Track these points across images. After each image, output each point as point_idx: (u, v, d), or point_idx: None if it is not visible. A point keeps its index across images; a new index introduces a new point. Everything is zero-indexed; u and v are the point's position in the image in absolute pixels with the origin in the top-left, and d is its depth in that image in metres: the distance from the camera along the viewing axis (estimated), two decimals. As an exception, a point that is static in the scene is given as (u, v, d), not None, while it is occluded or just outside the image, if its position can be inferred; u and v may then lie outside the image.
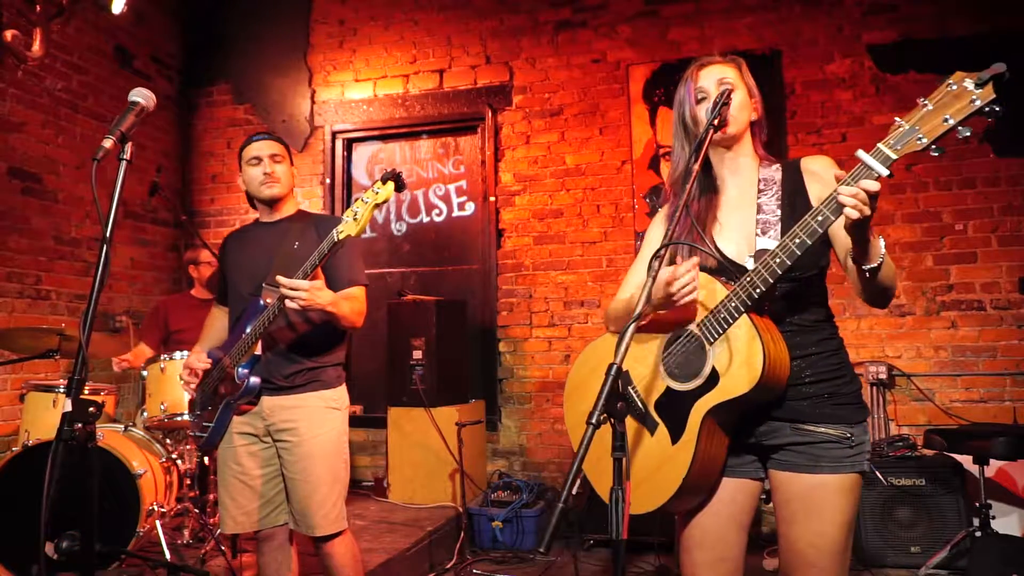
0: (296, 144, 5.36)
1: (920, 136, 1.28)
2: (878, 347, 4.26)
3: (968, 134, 1.26)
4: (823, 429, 1.59)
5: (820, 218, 1.43)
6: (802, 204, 1.65)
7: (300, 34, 5.47)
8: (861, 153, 1.36)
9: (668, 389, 1.64)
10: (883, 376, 4.15)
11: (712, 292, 1.61)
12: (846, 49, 4.44)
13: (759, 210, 1.68)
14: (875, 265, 1.45)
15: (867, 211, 1.34)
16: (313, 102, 5.41)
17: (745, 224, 1.69)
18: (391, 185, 1.99)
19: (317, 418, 2.34)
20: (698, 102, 1.72)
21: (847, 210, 1.35)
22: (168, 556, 3.10)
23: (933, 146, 1.28)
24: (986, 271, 4.17)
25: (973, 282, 4.18)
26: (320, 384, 2.37)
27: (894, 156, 1.32)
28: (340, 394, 2.44)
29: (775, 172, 1.72)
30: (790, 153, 4.47)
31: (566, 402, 1.90)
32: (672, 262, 1.68)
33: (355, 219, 2.00)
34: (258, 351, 2.30)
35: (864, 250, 1.45)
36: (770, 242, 1.62)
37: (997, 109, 1.22)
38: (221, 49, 5.62)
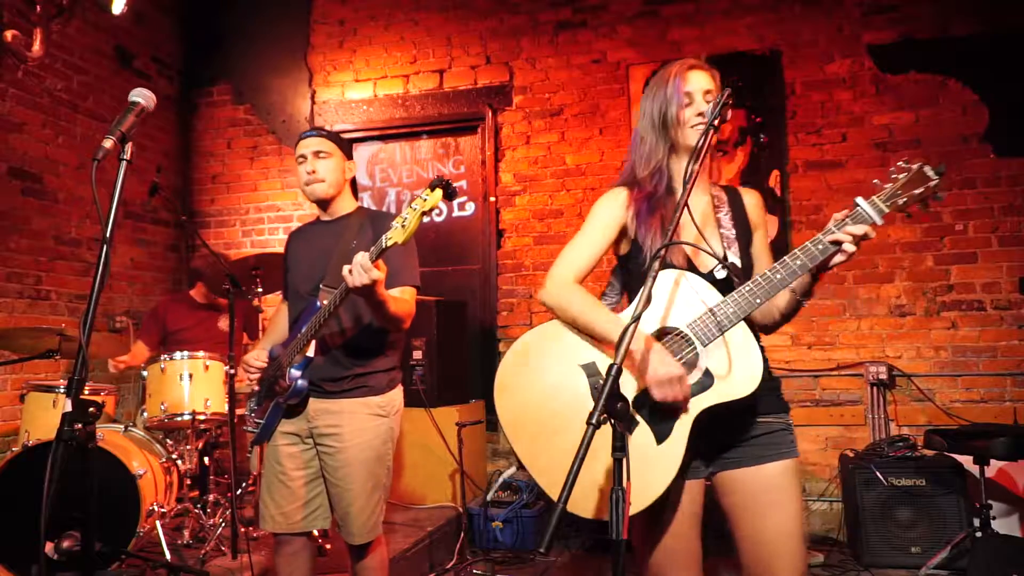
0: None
1: (903, 199, 1.60)
2: (878, 347, 4.26)
3: (924, 208, 1.62)
4: (773, 419, 1.72)
5: (821, 247, 1.58)
6: (748, 227, 1.81)
7: (300, 34, 5.47)
8: (860, 200, 1.60)
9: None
10: (883, 376, 4.15)
11: (704, 294, 1.62)
12: (846, 49, 4.44)
13: (719, 224, 1.77)
14: (809, 297, 1.71)
15: (856, 249, 1.58)
16: (313, 102, 5.41)
17: (711, 236, 1.76)
18: (439, 192, 1.92)
19: (360, 425, 2.30)
20: (685, 106, 1.73)
21: (846, 245, 1.55)
22: (168, 556, 3.10)
23: (906, 208, 1.61)
24: (986, 271, 4.16)
25: (973, 282, 4.18)
26: (367, 390, 2.33)
27: (886, 210, 1.59)
28: (388, 399, 2.37)
29: (720, 192, 1.84)
30: (790, 153, 4.47)
31: (499, 398, 1.73)
32: (668, 263, 1.69)
33: (403, 226, 1.94)
34: (311, 353, 2.27)
35: (813, 284, 1.68)
36: (734, 257, 1.74)
37: (942, 196, 1.62)
38: (221, 49, 5.62)
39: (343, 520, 2.30)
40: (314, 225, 2.53)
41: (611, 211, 1.81)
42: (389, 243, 1.96)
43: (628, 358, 1.56)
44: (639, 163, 1.79)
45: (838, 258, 1.59)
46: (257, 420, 2.42)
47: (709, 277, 1.66)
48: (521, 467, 1.78)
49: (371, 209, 2.56)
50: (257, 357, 2.44)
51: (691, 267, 1.70)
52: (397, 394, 2.43)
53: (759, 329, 1.80)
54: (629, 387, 1.62)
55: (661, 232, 1.69)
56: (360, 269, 1.99)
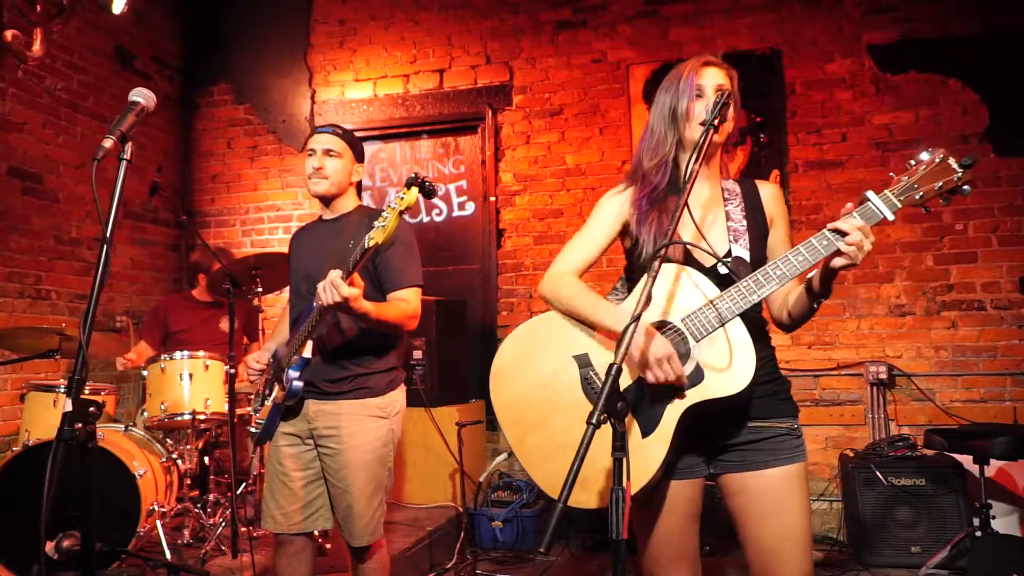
0: (296, 144, 5.37)
1: (919, 193, 1.51)
2: (878, 347, 4.26)
3: (946, 203, 1.54)
4: (775, 423, 1.68)
5: (825, 242, 1.52)
6: (762, 220, 1.76)
7: (300, 34, 5.47)
8: (870, 194, 1.51)
9: (639, 379, 1.61)
10: (883, 376, 4.15)
11: (702, 289, 1.61)
12: (846, 49, 4.44)
13: (728, 218, 1.74)
14: (826, 296, 1.62)
15: (869, 246, 1.48)
16: (313, 102, 5.41)
17: (716, 229, 1.74)
18: (415, 191, 1.93)
19: (358, 427, 2.28)
20: (696, 98, 1.72)
21: (843, 245, 1.47)
22: (168, 556, 3.10)
23: (924, 204, 1.52)
24: (986, 271, 4.16)
25: (973, 282, 4.18)
26: (366, 391, 2.31)
27: (899, 204, 1.51)
28: (389, 400, 2.36)
29: (734, 185, 1.81)
30: (791, 153, 4.48)
31: (494, 380, 1.82)
32: (667, 258, 1.68)
33: (383, 226, 1.94)
34: (307, 354, 2.27)
35: (830, 286, 1.59)
36: (742, 250, 1.69)
37: (968, 189, 1.51)
38: (221, 49, 5.62)
39: (344, 521, 2.30)
40: (316, 224, 2.53)
41: (612, 208, 1.82)
42: (371, 243, 1.97)
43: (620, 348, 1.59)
44: (647, 154, 1.78)
45: (841, 260, 1.50)
46: (259, 420, 2.43)
47: (711, 272, 1.65)
48: (511, 453, 1.79)
49: (371, 208, 2.55)
50: (258, 359, 2.44)
51: (691, 262, 1.69)
52: (398, 395, 2.42)
53: (780, 326, 1.79)
54: (622, 378, 1.61)
55: (659, 229, 1.69)
56: (331, 287, 1.99)
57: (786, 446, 1.67)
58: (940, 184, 1.50)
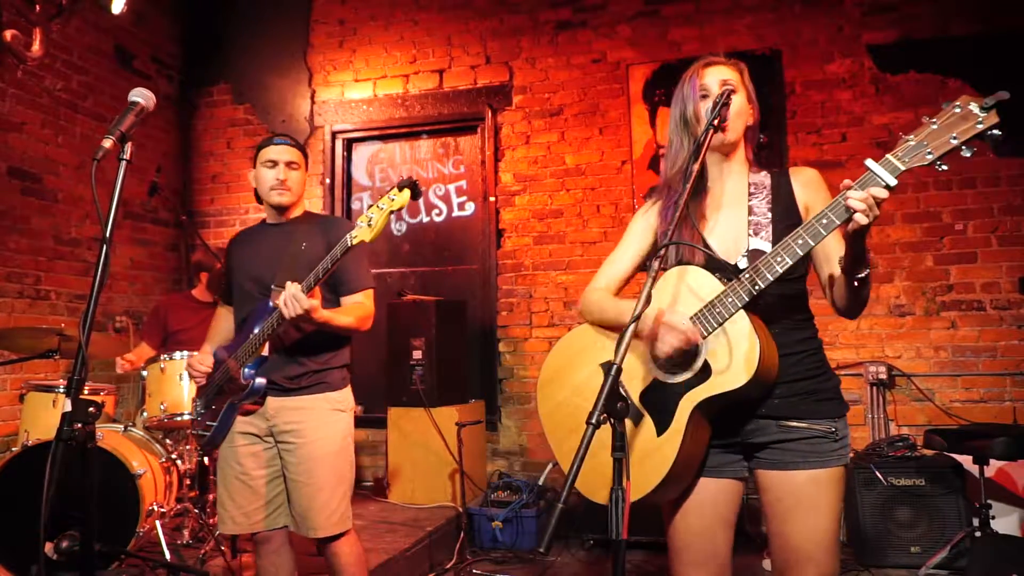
0: (296, 144, 5.38)
1: (928, 151, 1.36)
2: (878, 347, 4.26)
3: (970, 154, 1.36)
4: (809, 425, 1.64)
5: (825, 220, 1.46)
6: (791, 210, 1.71)
7: (300, 34, 5.47)
8: (870, 162, 1.41)
9: (655, 380, 1.64)
10: (883, 376, 4.15)
11: (706, 286, 1.61)
12: (846, 49, 4.44)
13: (750, 212, 1.72)
14: (865, 274, 1.53)
15: (874, 214, 1.39)
16: (313, 102, 5.41)
17: (735, 224, 1.72)
18: (407, 192, 1.98)
19: (322, 420, 2.34)
20: (701, 99, 1.73)
21: (857, 215, 1.39)
22: (168, 556, 3.10)
23: (939, 162, 1.37)
24: (986, 271, 4.16)
25: (973, 282, 4.18)
26: (325, 386, 2.38)
27: (902, 167, 1.38)
28: (345, 396, 2.44)
29: (764, 178, 1.78)
30: (790, 153, 4.47)
31: (539, 392, 1.90)
32: (684, 260, 1.69)
33: (369, 225, 1.98)
34: (265, 352, 2.30)
35: (860, 257, 1.51)
36: (762, 242, 1.66)
37: (998, 133, 1.33)
38: (221, 49, 5.62)
39: (304, 516, 2.31)
40: (260, 228, 2.55)
41: (641, 223, 1.87)
42: (356, 240, 2.02)
43: (638, 342, 1.65)
44: (668, 163, 1.80)
45: (851, 225, 1.42)
46: (209, 423, 2.42)
47: (732, 270, 1.63)
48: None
49: (318, 213, 2.62)
50: (202, 361, 2.46)
51: (712, 262, 1.67)
52: (350, 392, 2.48)
53: (840, 313, 1.69)
54: (638, 377, 1.67)
55: (678, 235, 1.70)
56: (293, 300, 2.06)
57: (820, 449, 1.63)
58: (956, 134, 1.33)
